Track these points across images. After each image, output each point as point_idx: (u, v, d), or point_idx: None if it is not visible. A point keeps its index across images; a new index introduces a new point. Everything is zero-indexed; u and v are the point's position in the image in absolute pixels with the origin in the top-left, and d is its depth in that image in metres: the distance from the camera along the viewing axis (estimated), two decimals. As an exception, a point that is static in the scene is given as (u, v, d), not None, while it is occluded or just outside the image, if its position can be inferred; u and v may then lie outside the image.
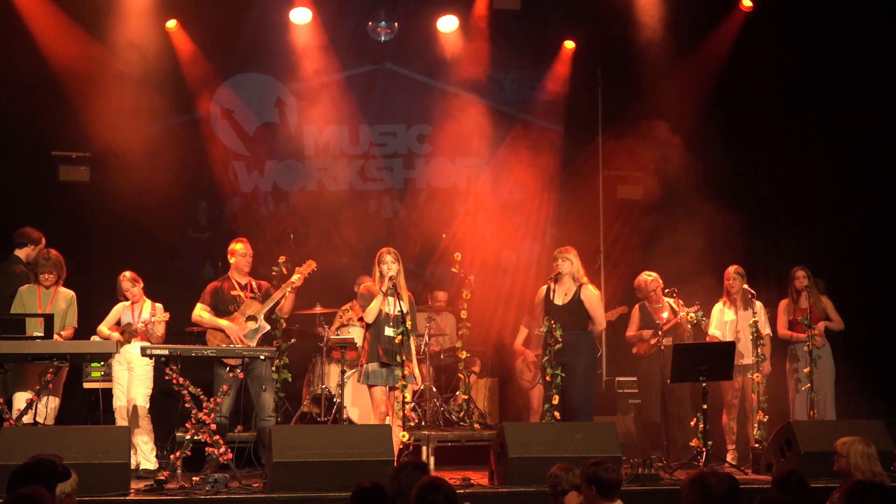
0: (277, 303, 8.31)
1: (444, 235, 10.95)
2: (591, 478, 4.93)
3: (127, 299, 8.24)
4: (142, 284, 8.31)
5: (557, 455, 6.66)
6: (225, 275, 8.47)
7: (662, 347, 8.88)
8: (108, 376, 8.63)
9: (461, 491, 6.81)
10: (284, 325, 8.83)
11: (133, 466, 7.67)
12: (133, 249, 9.75)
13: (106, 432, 7.25)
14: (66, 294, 8.12)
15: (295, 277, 8.27)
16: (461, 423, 9.38)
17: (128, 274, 8.28)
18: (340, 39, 10.98)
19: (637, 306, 9.39)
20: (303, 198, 11.18)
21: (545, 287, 8.21)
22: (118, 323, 8.26)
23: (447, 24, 11.04)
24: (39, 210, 9.84)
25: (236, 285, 8.32)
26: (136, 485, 7.07)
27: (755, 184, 11.26)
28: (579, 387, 7.95)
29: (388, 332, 7.64)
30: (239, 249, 8.35)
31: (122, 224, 10.03)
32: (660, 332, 8.95)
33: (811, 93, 11.16)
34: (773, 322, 9.19)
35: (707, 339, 8.95)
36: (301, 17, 10.69)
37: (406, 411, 7.53)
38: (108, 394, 8.43)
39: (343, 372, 8.85)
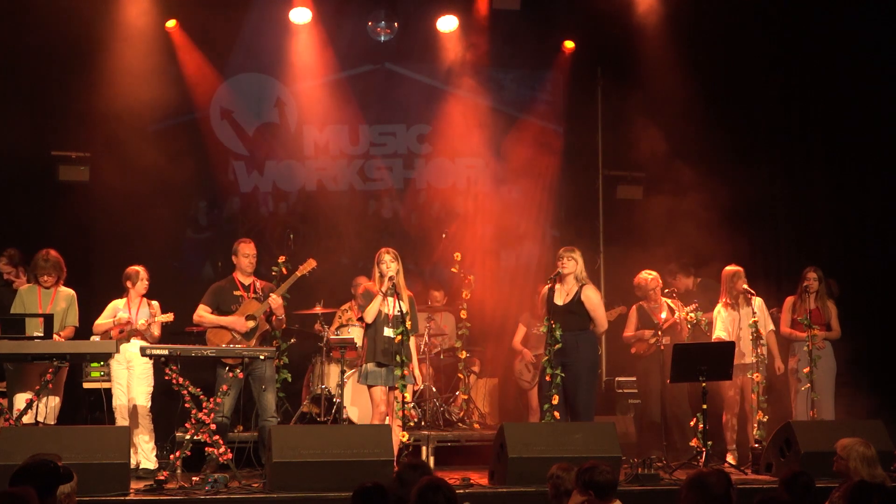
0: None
1: (444, 235, 10.95)
2: (586, 483, 4.95)
3: (137, 292, 8.20)
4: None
5: (557, 455, 6.66)
6: (229, 276, 8.46)
7: (662, 347, 8.88)
8: (107, 376, 8.62)
9: (461, 491, 6.81)
10: (284, 324, 8.83)
11: (133, 466, 7.67)
12: (133, 250, 9.74)
13: (106, 432, 7.25)
14: (67, 294, 8.11)
15: (276, 297, 8.24)
16: (461, 423, 9.39)
17: (143, 267, 8.27)
18: (340, 39, 10.98)
19: (635, 307, 9.38)
20: (303, 198, 11.19)
21: (548, 286, 8.19)
22: (114, 321, 8.25)
23: (447, 24, 11.04)
24: (39, 210, 9.85)
25: (239, 286, 8.31)
26: (135, 485, 7.06)
27: (755, 183, 11.26)
28: (581, 387, 7.93)
29: (388, 332, 7.65)
30: (242, 250, 8.34)
31: (122, 224, 10.03)
32: (659, 332, 8.95)
33: (812, 92, 11.16)
34: (776, 320, 9.20)
35: (714, 341, 8.93)
36: (301, 17, 10.69)
37: (406, 411, 7.53)
38: (108, 394, 8.43)
39: (343, 372, 8.86)
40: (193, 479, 7.12)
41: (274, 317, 8.27)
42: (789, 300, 9.26)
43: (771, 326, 9.02)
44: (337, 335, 9.30)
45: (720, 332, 8.98)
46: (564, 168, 11.51)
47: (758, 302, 8.96)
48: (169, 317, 8.23)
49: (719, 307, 9.07)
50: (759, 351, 8.74)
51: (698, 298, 9.13)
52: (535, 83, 11.60)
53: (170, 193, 10.28)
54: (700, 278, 9.95)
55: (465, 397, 9.42)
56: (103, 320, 8.20)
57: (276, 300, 8.17)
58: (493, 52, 11.19)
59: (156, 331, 8.20)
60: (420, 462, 5.47)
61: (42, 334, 7.58)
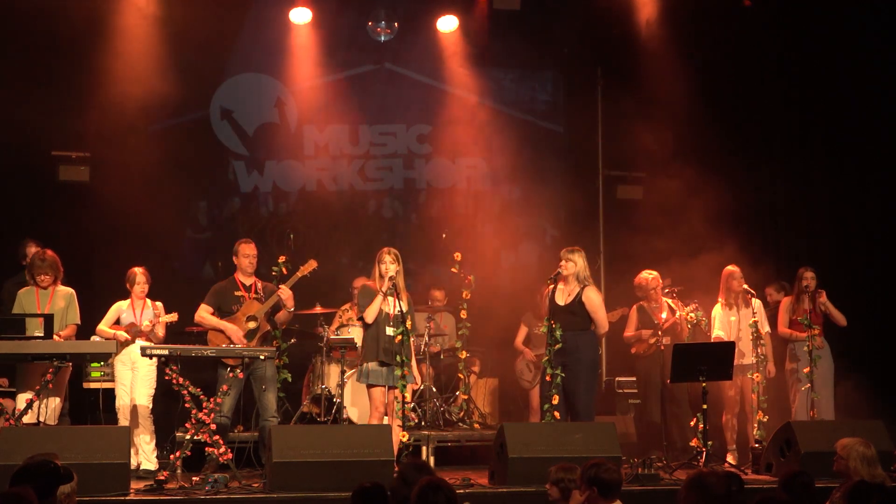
0: (278, 305, 8.29)
1: (444, 235, 10.96)
2: (591, 479, 4.93)
3: (136, 295, 8.20)
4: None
5: (557, 455, 6.66)
6: (230, 276, 8.45)
7: (662, 347, 8.88)
8: (108, 376, 8.62)
9: (461, 491, 6.81)
10: (291, 315, 8.80)
11: (133, 466, 7.67)
12: (133, 249, 9.73)
13: (106, 432, 7.25)
14: (65, 292, 8.10)
15: (278, 294, 8.23)
16: (461, 423, 9.39)
17: (142, 269, 8.27)
18: (340, 39, 10.99)
19: (635, 307, 9.38)
20: (303, 198, 11.19)
21: (550, 286, 8.18)
22: (117, 322, 8.24)
23: (447, 24, 11.05)
24: (39, 210, 9.85)
25: (240, 286, 8.31)
26: (135, 485, 7.06)
27: (755, 183, 11.26)
28: (581, 387, 7.93)
29: (389, 331, 7.65)
30: (243, 251, 8.34)
31: (122, 224, 10.02)
32: (659, 332, 8.95)
33: (812, 92, 11.16)
34: (773, 320, 9.20)
35: (713, 340, 8.93)
36: (301, 17, 10.70)
37: (406, 411, 7.53)
38: (108, 394, 8.43)
39: (343, 372, 8.86)
40: (193, 479, 7.12)
41: (283, 309, 8.27)
42: (786, 300, 9.26)
43: (767, 328, 9.02)
44: (337, 335, 9.30)
45: (718, 332, 8.98)
46: (564, 168, 11.51)
47: (757, 303, 8.97)
48: (173, 317, 8.23)
49: (718, 306, 9.08)
50: (759, 351, 8.74)
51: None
52: (535, 83, 11.60)
53: (170, 193, 10.28)
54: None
55: (465, 397, 9.42)
56: (105, 325, 8.20)
57: (285, 290, 8.17)
58: (493, 52, 11.20)
59: (160, 331, 8.19)
60: (423, 462, 5.48)
61: (42, 334, 7.57)
